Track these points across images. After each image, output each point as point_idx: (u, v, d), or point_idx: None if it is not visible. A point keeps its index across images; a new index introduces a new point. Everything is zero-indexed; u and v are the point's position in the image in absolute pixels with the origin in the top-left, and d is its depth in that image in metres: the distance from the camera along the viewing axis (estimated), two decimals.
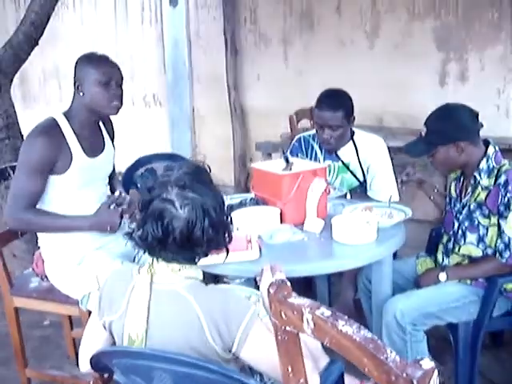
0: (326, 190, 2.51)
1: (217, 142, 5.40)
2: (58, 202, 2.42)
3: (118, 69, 2.47)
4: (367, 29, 4.50)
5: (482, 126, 2.33)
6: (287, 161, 2.67)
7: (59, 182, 2.40)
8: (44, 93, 6.11)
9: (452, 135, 2.26)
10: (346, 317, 1.07)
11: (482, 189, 2.29)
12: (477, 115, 2.30)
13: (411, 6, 4.30)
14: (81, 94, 2.39)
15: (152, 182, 1.57)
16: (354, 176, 3.06)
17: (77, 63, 2.46)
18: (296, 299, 1.19)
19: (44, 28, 3.92)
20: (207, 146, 5.50)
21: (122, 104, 2.47)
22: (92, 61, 2.40)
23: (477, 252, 2.34)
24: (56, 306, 2.55)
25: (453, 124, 2.27)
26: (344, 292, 2.83)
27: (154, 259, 1.57)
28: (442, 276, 2.37)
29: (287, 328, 1.22)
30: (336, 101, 2.90)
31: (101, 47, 5.71)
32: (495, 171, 2.27)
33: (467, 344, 2.38)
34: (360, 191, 3.06)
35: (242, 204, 2.62)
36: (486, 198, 2.27)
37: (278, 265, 1.70)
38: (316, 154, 3.11)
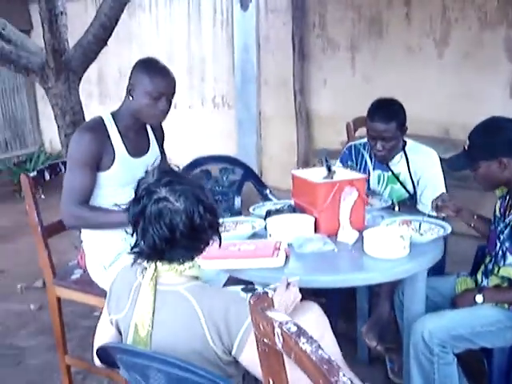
0: (363, 201, 2.46)
1: (282, 145, 5.40)
2: (102, 199, 2.49)
3: (173, 83, 2.47)
4: (436, 37, 4.36)
5: None
6: (329, 169, 2.63)
7: (103, 179, 2.48)
8: (118, 91, 6.33)
9: (495, 150, 2.16)
10: (310, 334, 1.04)
11: None
12: None
13: (483, 15, 4.13)
14: (130, 98, 2.44)
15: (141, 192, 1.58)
16: (404, 187, 2.98)
17: (135, 66, 2.49)
18: (272, 313, 1.17)
19: (113, 29, 4.05)
20: (272, 149, 5.51)
21: (165, 118, 2.51)
22: (149, 71, 2.42)
23: None
24: (93, 298, 2.63)
25: (496, 139, 2.17)
26: (380, 307, 2.75)
27: (160, 264, 1.59)
28: (479, 298, 2.26)
29: (264, 340, 1.21)
30: (389, 112, 2.84)
31: (174, 49, 5.89)
32: None
33: (502, 371, 2.27)
34: (410, 204, 2.97)
35: (278, 211, 2.61)
36: None
37: (294, 281, 1.70)
38: (366, 162, 3.06)
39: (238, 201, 3.70)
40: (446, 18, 4.30)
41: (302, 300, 2.00)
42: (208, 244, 1.63)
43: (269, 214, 2.61)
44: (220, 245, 1.70)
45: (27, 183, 2.66)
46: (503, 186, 2.28)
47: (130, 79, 2.48)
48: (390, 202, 2.84)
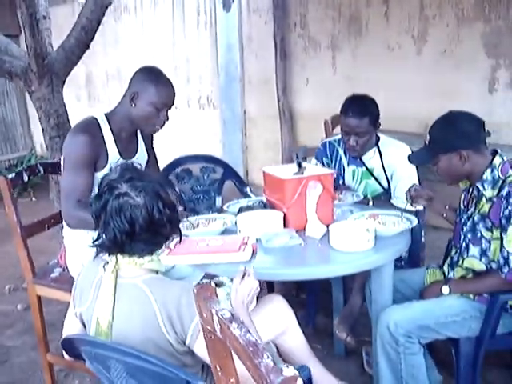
0: (331, 196, 2.51)
1: (266, 144, 5.45)
2: None
3: (174, 95, 2.55)
4: (415, 34, 4.41)
5: (490, 134, 2.25)
6: (299, 166, 2.67)
7: (98, 180, 2.51)
8: (107, 93, 6.39)
9: (453, 143, 2.19)
10: (242, 319, 1.09)
11: (486, 200, 2.21)
12: (482, 123, 2.23)
13: (460, 11, 4.18)
14: (132, 104, 2.47)
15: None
16: (378, 182, 3.03)
17: (138, 74, 2.53)
18: (213, 301, 1.23)
19: (94, 32, 4.11)
20: (257, 148, 5.57)
21: (163, 128, 2.59)
22: (156, 81, 2.47)
23: (480, 266, 2.26)
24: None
25: (454, 132, 2.20)
26: (352, 301, 2.80)
27: (120, 258, 1.65)
28: (445, 289, 2.30)
29: (208, 327, 1.26)
30: (362, 108, 2.89)
31: (159, 50, 5.94)
32: (500, 182, 2.18)
33: (469, 360, 2.31)
34: (384, 198, 3.02)
35: (249, 207, 2.66)
36: (489, 210, 2.19)
37: (250, 270, 1.76)
38: (341, 158, 3.11)
39: (218, 199, 3.75)
40: (424, 15, 4.35)
41: (267, 293, 2.06)
42: (168, 239, 1.69)
43: (241, 210, 2.67)
44: (180, 241, 1.76)
45: (5, 185, 2.71)
46: (465, 178, 2.31)
47: (131, 86, 2.51)
48: (362, 197, 2.89)
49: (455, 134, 2.19)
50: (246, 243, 2.25)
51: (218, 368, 1.32)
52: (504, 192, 2.14)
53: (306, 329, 3.27)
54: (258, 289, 1.82)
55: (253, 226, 2.43)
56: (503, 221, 2.12)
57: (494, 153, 2.25)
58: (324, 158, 3.17)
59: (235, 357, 1.47)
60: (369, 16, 4.60)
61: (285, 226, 2.48)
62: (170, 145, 5.57)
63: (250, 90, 5.47)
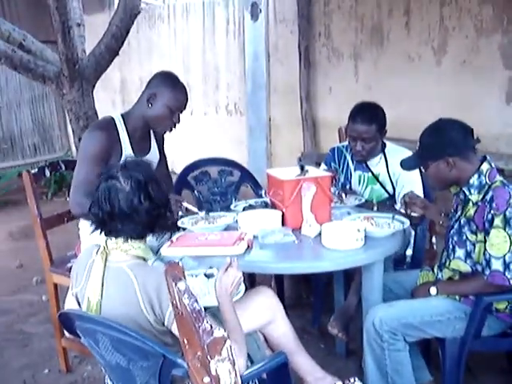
0: (328, 198, 2.62)
1: (290, 151, 5.58)
2: None
3: (187, 100, 2.75)
4: (435, 45, 4.48)
5: (479, 141, 2.33)
6: (302, 168, 2.80)
7: None
8: None
9: (441, 150, 2.28)
10: (196, 293, 1.23)
11: (472, 204, 2.29)
12: (471, 131, 2.31)
13: (479, 23, 4.23)
14: (149, 105, 2.67)
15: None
16: (383, 188, 3.13)
17: (156, 77, 2.74)
18: (178, 279, 1.37)
19: (124, 40, 4.32)
20: (281, 155, 5.70)
21: (174, 129, 2.78)
22: (174, 86, 2.68)
23: (465, 267, 2.33)
24: None
25: (442, 139, 2.29)
26: (349, 299, 2.90)
27: (108, 239, 1.82)
28: (433, 290, 2.38)
29: (173, 302, 1.40)
30: (370, 114, 3.00)
31: (190, 58, 6.15)
32: (486, 187, 2.26)
33: (454, 361, 2.37)
34: (389, 203, 3.11)
35: (251, 206, 2.80)
36: (474, 214, 2.27)
37: (235, 262, 1.91)
38: (348, 164, 3.22)
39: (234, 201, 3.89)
40: (444, 26, 4.41)
41: (258, 286, 2.19)
42: (150, 230, 1.84)
43: (244, 209, 2.82)
44: (171, 236, 1.92)
45: (28, 179, 2.92)
46: (454, 184, 2.39)
47: (150, 87, 2.71)
48: (364, 201, 2.99)
49: (443, 142, 2.28)
50: (243, 238, 2.38)
51: (186, 342, 1.45)
52: (488, 197, 2.22)
53: (312, 329, 3.40)
54: (242, 279, 1.95)
55: (252, 223, 2.56)
56: (486, 224, 2.20)
57: (483, 159, 2.32)
58: (332, 163, 3.28)
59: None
60: (390, 27, 4.69)
61: (283, 224, 2.61)
62: (198, 149, 5.76)
63: (275, 98, 5.61)
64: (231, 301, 1.88)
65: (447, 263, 2.42)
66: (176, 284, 1.30)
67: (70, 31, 4.04)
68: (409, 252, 3.13)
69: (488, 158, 2.33)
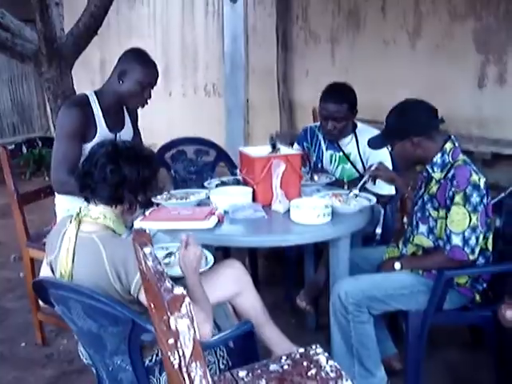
0: (298, 175, 2.70)
1: (267, 131, 5.59)
2: None
3: (158, 76, 2.80)
4: (409, 29, 4.55)
5: (443, 121, 2.42)
6: (273, 147, 2.87)
7: (86, 150, 2.73)
8: None
9: (406, 130, 2.35)
10: (156, 255, 1.30)
11: (435, 182, 2.38)
12: (435, 111, 2.39)
13: (452, 8, 4.31)
14: (120, 82, 2.71)
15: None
16: (354, 167, 3.20)
17: (126, 54, 2.78)
18: (145, 244, 1.43)
19: (102, 20, 4.32)
20: (258, 136, 5.75)
21: (146, 104, 2.82)
22: (143, 61, 2.73)
23: (428, 243, 2.43)
24: None
25: (407, 119, 2.36)
26: (318, 272, 3.00)
27: (82, 206, 1.88)
28: (397, 265, 2.47)
29: (140, 267, 1.47)
30: (341, 94, 3.07)
31: (169, 39, 6.16)
32: (448, 166, 2.35)
33: (417, 333, 2.46)
34: (359, 182, 3.19)
35: (223, 183, 2.88)
36: (436, 191, 2.36)
37: (191, 237, 2.00)
38: (320, 143, 3.29)
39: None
40: (419, 11, 4.49)
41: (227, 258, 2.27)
42: (119, 201, 1.92)
43: (217, 186, 2.89)
44: (144, 211, 1.99)
45: (4, 155, 2.96)
46: (419, 163, 2.48)
47: (120, 64, 2.75)
48: (334, 179, 3.07)
49: (408, 122, 2.36)
50: (213, 213, 2.46)
51: (153, 305, 1.52)
52: (450, 174, 2.30)
53: (284, 305, 3.49)
54: (201, 253, 2.02)
55: (223, 199, 2.63)
56: (448, 201, 2.29)
57: (447, 139, 2.41)
58: (304, 143, 3.35)
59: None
60: (366, 11, 4.76)
61: (254, 201, 2.68)
62: (177, 129, 5.80)
63: (253, 80, 5.66)
64: (196, 274, 1.95)
65: (411, 238, 2.51)
66: (142, 249, 1.37)
67: (48, 10, 4.04)
68: (378, 230, 3.22)
69: (452, 137, 2.41)
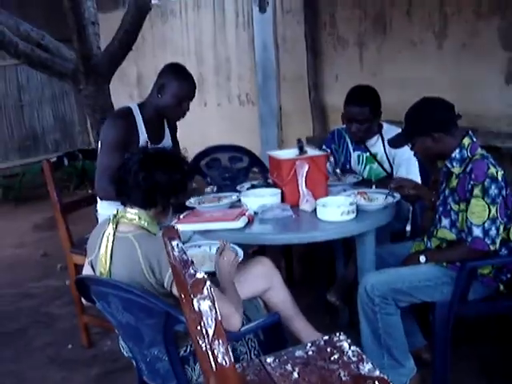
0: (324, 176, 2.81)
1: (300, 137, 5.73)
2: None
3: (195, 89, 2.96)
4: (435, 30, 4.60)
5: (460, 117, 2.49)
6: (301, 150, 2.98)
7: None
8: None
9: (426, 127, 2.44)
10: (181, 246, 1.43)
11: (455, 177, 2.46)
12: (452, 107, 2.47)
13: (477, 7, 4.35)
14: (159, 96, 2.89)
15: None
16: (381, 166, 3.29)
17: (165, 69, 2.97)
18: (174, 239, 1.56)
19: (136, 35, 4.52)
20: (292, 142, 5.85)
21: (184, 117, 2.98)
22: (180, 76, 2.90)
23: (451, 236, 2.50)
24: None
25: (427, 116, 2.45)
26: (348, 270, 3.09)
27: (119, 211, 2.03)
28: (422, 258, 2.55)
29: (170, 260, 1.60)
30: (363, 97, 3.17)
31: (203, 50, 6.35)
32: (467, 160, 2.42)
33: (442, 323, 2.53)
34: (387, 181, 3.27)
35: (253, 186, 3.00)
36: (457, 185, 2.44)
37: (227, 244, 2.19)
38: (347, 145, 3.38)
39: None
40: (443, 11, 4.54)
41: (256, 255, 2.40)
42: (153, 204, 2.05)
43: (248, 189, 3.02)
44: (169, 210, 2.14)
45: (47, 167, 3.15)
46: (440, 158, 2.55)
47: (159, 79, 2.93)
48: (361, 179, 3.16)
49: (428, 119, 2.45)
50: (244, 214, 2.58)
51: (182, 295, 1.65)
52: (468, 168, 2.38)
53: (318, 305, 3.57)
54: (237, 258, 2.17)
55: (253, 200, 2.76)
56: (467, 194, 2.37)
57: (465, 134, 2.48)
58: (332, 145, 3.45)
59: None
60: (392, 14, 4.83)
61: (283, 201, 2.80)
62: (212, 138, 5.96)
63: (284, 87, 5.78)
64: (231, 277, 2.10)
65: (435, 232, 2.58)
66: (170, 242, 1.50)
67: (85, 29, 4.26)
68: (408, 228, 3.30)
69: (470, 132, 2.49)
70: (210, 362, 1.32)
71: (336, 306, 3.10)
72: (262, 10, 5.53)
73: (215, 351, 1.31)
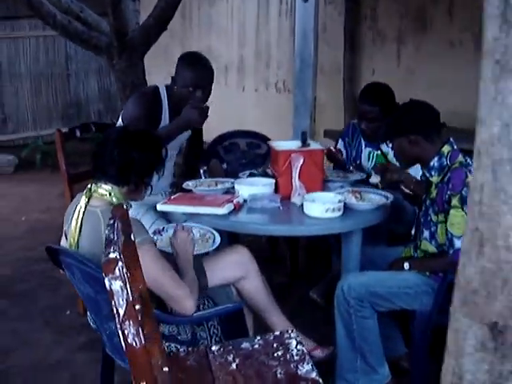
0: (320, 171, 2.77)
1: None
2: None
3: (209, 76, 2.82)
4: (476, 30, 4.44)
5: (444, 125, 2.42)
6: (304, 142, 2.95)
7: None
8: None
9: (404, 128, 2.38)
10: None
11: (434, 186, 2.38)
12: (437, 114, 2.40)
13: None
14: (174, 87, 2.84)
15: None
16: None
17: (178, 59, 2.89)
18: (122, 220, 1.57)
19: (172, 13, 4.56)
20: (323, 134, 5.79)
21: (205, 102, 2.84)
22: (188, 64, 2.81)
23: (432, 248, 2.43)
24: None
25: (406, 117, 2.41)
26: (333, 269, 3.05)
27: (93, 185, 2.07)
28: (406, 265, 2.48)
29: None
30: (375, 96, 3.10)
31: (245, 35, 6.34)
32: (446, 169, 2.34)
33: (421, 333, 2.46)
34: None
35: (252, 174, 3.00)
36: (436, 196, 2.36)
37: (180, 226, 2.24)
38: (360, 140, 3.32)
39: None
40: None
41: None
42: (125, 182, 2.08)
43: (248, 177, 3.02)
44: (142, 190, 2.16)
45: (58, 137, 3.23)
46: (416, 162, 2.47)
47: (175, 70, 2.87)
48: (365, 176, 3.10)
49: (407, 120, 2.40)
50: (231, 201, 2.58)
51: (129, 274, 1.68)
52: (446, 178, 2.30)
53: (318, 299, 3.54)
54: (191, 235, 2.21)
55: (245, 188, 2.75)
56: (445, 205, 2.29)
57: (446, 141, 2.39)
58: (346, 138, 3.40)
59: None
60: (433, 12, 4.69)
61: (277, 192, 2.78)
62: (247, 123, 5.97)
63: (321, 78, 5.69)
64: (187, 256, 2.14)
65: (418, 243, 2.52)
66: (110, 220, 1.52)
67: (121, 4, 4.32)
68: (414, 231, 3.22)
69: (451, 140, 2.40)
70: (121, 341, 1.33)
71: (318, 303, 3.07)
72: None
73: (125, 331, 1.32)
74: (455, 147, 2.38)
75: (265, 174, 2.98)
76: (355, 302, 2.42)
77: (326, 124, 5.78)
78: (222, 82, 6.29)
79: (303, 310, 3.31)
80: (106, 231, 1.44)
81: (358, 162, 3.32)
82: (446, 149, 2.36)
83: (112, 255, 1.27)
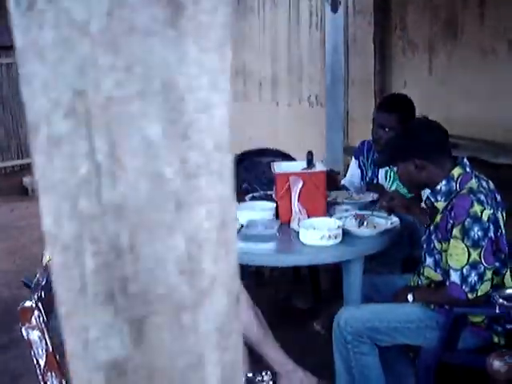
0: (322, 194, 2.64)
1: None
2: None
3: None
4: (510, 37, 4.19)
5: (455, 146, 2.24)
6: (309, 163, 2.82)
7: None
8: (234, 88, 6.83)
9: (409, 152, 2.21)
10: None
11: (439, 212, 2.20)
12: (446, 135, 2.21)
13: None
14: None
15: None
16: None
17: None
18: None
19: None
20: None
21: None
22: None
23: (436, 276, 2.26)
24: None
25: (411, 141, 2.22)
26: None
27: None
28: (410, 297, 2.31)
29: None
30: (392, 104, 2.99)
31: (277, 49, 6.25)
32: (453, 194, 2.15)
33: (425, 370, 2.30)
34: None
35: (254, 198, 2.88)
36: (440, 222, 2.18)
37: None
38: (375, 158, 3.17)
39: None
40: None
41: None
42: None
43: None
44: None
45: None
46: (425, 187, 2.29)
47: None
48: (375, 198, 2.93)
49: (412, 144, 2.21)
50: None
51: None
52: (451, 204, 2.11)
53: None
54: None
55: (244, 213, 2.64)
56: (448, 234, 2.11)
57: (459, 163, 2.20)
58: (360, 157, 3.26)
59: None
60: (464, 19, 4.45)
61: (277, 217, 2.66)
62: (281, 139, 5.86)
63: (352, 91, 5.54)
64: None
65: (422, 270, 2.34)
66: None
67: None
68: None
69: (464, 161, 2.21)
70: None
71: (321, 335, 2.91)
72: (334, 9, 5.29)
73: (48, 383, 1.24)
74: (468, 170, 2.18)
75: (269, 198, 2.86)
76: (352, 337, 2.27)
77: (358, 138, 5.60)
78: (256, 97, 6.21)
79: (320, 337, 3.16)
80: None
81: (374, 181, 3.16)
82: (456, 171, 2.17)
83: (28, 303, 1.19)
